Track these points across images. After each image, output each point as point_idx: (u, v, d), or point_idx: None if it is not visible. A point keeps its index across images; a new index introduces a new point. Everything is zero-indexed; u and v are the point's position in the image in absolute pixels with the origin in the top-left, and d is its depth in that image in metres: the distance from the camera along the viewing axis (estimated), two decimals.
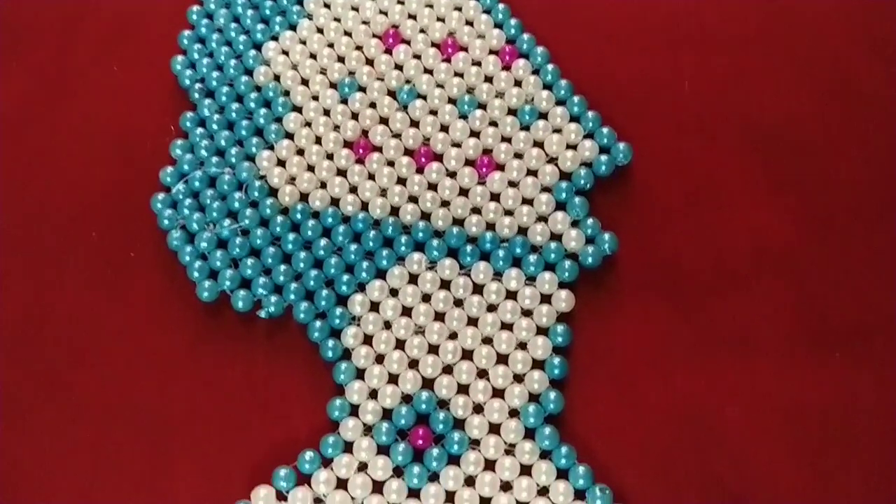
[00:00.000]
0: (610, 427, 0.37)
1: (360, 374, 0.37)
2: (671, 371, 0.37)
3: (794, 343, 0.37)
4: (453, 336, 0.38)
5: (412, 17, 0.43)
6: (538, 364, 0.37)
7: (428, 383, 0.37)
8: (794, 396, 0.37)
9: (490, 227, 0.39)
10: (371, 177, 0.40)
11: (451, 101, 0.41)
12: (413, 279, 0.38)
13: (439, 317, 0.38)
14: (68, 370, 0.38)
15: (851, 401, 0.37)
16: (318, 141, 0.41)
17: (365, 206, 0.40)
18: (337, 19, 0.43)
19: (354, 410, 0.37)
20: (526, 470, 0.36)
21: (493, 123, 0.41)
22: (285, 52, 0.42)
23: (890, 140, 0.40)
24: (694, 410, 0.37)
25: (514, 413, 0.37)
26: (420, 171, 0.40)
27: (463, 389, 0.37)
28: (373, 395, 0.37)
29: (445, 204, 0.40)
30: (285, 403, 0.38)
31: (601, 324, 0.38)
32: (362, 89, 0.41)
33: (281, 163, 0.40)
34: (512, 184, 0.40)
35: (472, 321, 0.38)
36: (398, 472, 0.36)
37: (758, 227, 0.39)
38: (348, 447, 0.36)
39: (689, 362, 0.37)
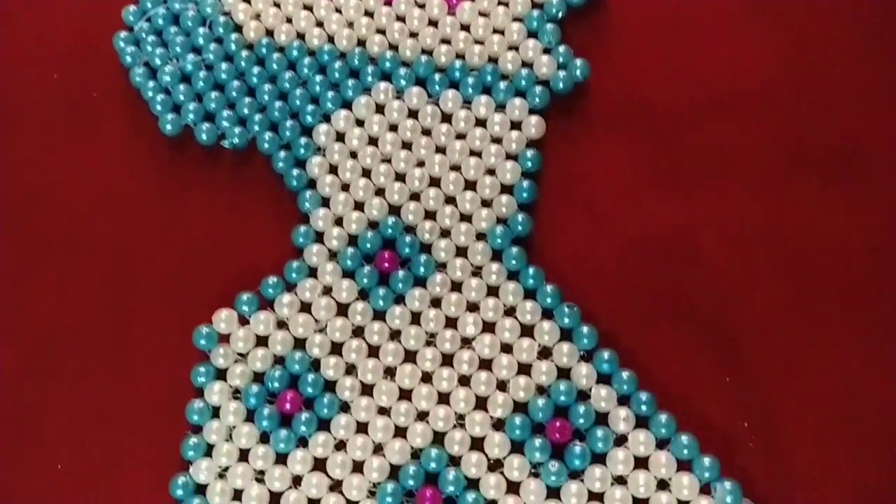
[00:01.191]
0: (580, 251, 0.36)
1: (325, 202, 0.37)
2: (644, 197, 0.36)
3: (771, 167, 0.36)
4: (421, 164, 0.37)
5: None
6: (507, 189, 0.36)
7: (395, 210, 0.36)
8: (770, 219, 0.36)
9: (460, 56, 0.38)
10: (338, 10, 0.39)
11: None
12: (380, 109, 0.37)
13: (406, 146, 0.37)
14: (34, 210, 0.37)
15: (828, 222, 0.36)
16: None
17: (331, 39, 0.39)
18: None
19: (319, 238, 0.36)
20: (493, 291, 0.35)
21: None
22: None
23: None
24: (667, 234, 0.36)
25: (480, 237, 0.36)
26: (388, 3, 0.39)
27: (430, 215, 0.36)
28: (338, 222, 0.36)
29: (414, 35, 0.38)
30: (250, 234, 0.37)
31: (572, 151, 0.37)
32: None
33: None
34: (483, 14, 0.38)
35: (441, 149, 0.37)
36: (363, 295, 0.35)
37: (735, 55, 0.38)
38: (313, 272, 0.36)
39: (663, 188, 0.36)
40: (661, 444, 0.33)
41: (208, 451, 0.34)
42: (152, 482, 0.34)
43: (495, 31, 0.38)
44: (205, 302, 0.36)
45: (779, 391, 0.34)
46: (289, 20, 0.39)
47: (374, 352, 0.35)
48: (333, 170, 0.37)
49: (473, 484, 0.33)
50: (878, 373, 0.34)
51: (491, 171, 0.37)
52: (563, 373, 0.34)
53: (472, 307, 0.35)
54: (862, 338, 0.34)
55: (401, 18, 0.39)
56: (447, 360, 0.34)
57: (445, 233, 0.36)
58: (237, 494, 0.34)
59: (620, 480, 0.33)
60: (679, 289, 0.35)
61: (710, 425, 0.33)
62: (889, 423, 0.33)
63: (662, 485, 0.33)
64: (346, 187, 0.37)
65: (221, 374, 0.35)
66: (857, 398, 0.34)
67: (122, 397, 0.35)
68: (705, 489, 0.32)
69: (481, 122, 0.37)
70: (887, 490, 0.33)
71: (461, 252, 0.36)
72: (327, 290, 0.35)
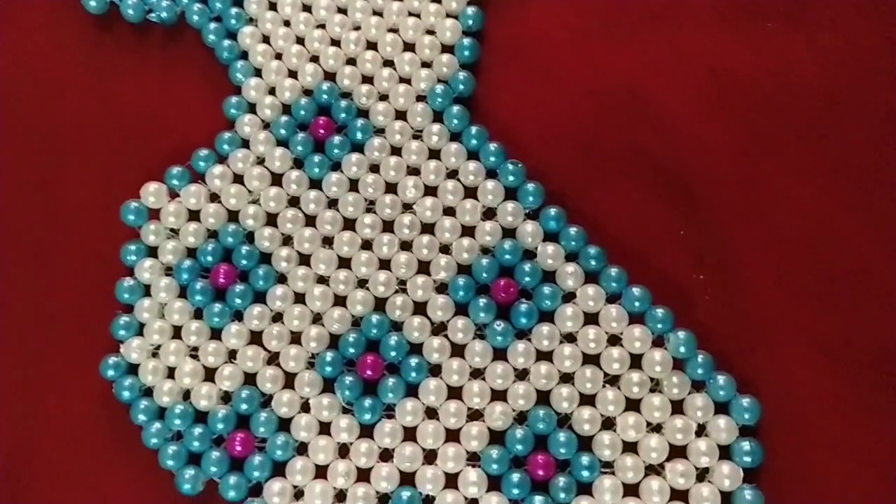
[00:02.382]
0: (527, 108, 0.34)
1: (258, 73, 0.35)
2: (591, 49, 0.34)
3: (726, 13, 0.34)
4: (357, 28, 0.35)
5: None
6: (447, 48, 0.34)
7: (330, 76, 0.35)
8: (724, 64, 0.34)
9: None
10: None
11: None
12: None
13: (341, 10, 0.35)
14: None
15: (784, 68, 0.33)
16: None
17: None
18: None
19: (252, 108, 0.34)
20: (435, 154, 0.33)
21: None
22: None
23: None
24: (616, 85, 0.34)
25: (420, 98, 0.34)
26: None
27: (367, 80, 0.34)
28: (271, 91, 0.34)
29: None
30: (182, 110, 0.35)
31: (516, 7, 0.35)
32: None
33: None
34: None
35: (377, 12, 0.35)
36: (298, 163, 0.34)
37: None
38: (245, 143, 0.34)
39: (611, 39, 0.34)
40: (613, 299, 0.31)
41: (140, 330, 0.32)
42: (83, 364, 0.32)
43: None
44: (136, 180, 0.34)
45: (736, 241, 0.32)
46: None
47: (310, 221, 0.33)
48: (266, 40, 0.35)
49: (416, 349, 0.31)
50: (839, 217, 0.32)
51: (430, 32, 0.35)
52: (509, 233, 0.32)
53: (413, 171, 0.33)
54: (822, 181, 0.32)
55: None
56: (388, 226, 0.33)
57: (383, 97, 0.34)
58: (170, 372, 0.32)
59: (570, 338, 0.31)
60: (630, 140, 0.33)
61: (664, 279, 0.32)
62: (851, 268, 0.31)
63: (614, 340, 0.31)
64: (279, 56, 0.35)
65: (152, 252, 0.33)
66: (818, 245, 0.32)
67: (49, 279, 0.34)
68: (658, 342, 0.30)
69: None
70: (848, 340, 0.31)
71: (400, 115, 0.34)
72: (260, 161, 0.34)
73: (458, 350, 0.31)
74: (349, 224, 0.33)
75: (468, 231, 0.32)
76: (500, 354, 0.31)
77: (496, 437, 0.30)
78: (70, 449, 0.32)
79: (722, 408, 0.30)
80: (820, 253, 0.32)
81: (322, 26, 0.35)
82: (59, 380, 0.33)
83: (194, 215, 0.33)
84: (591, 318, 0.31)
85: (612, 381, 0.30)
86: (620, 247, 0.32)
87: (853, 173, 0.32)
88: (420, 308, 0.32)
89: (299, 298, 0.32)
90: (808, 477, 0.30)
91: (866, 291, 0.31)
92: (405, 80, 0.34)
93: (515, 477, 0.29)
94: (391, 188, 0.33)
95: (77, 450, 0.32)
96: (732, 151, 0.33)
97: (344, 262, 0.33)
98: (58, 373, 0.33)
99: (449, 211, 0.33)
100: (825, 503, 0.30)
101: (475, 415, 0.31)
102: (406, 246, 0.33)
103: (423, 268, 0.32)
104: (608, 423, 0.30)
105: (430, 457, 0.30)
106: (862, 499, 0.30)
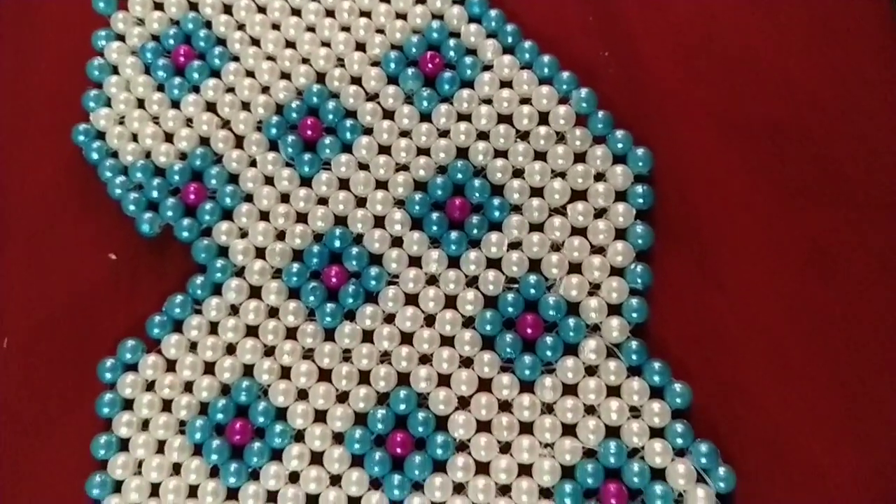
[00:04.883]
0: None
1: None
2: None
3: None
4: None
5: None
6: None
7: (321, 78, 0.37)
8: None
9: None
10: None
11: None
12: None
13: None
14: None
15: None
16: None
17: None
18: None
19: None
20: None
21: None
22: None
23: None
24: None
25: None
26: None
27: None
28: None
29: None
30: None
31: None
32: None
33: None
34: None
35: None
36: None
37: None
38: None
39: None
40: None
41: (108, 102, 0.36)
42: (56, 132, 0.36)
43: None
44: None
45: (638, 26, 0.36)
46: None
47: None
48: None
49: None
50: (733, 7, 0.36)
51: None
52: None
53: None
54: None
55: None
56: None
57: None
58: (134, 137, 0.36)
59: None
60: None
61: (573, 56, 0.35)
62: (742, 52, 0.35)
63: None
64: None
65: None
66: (713, 31, 0.35)
67: (22, 60, 0.37)
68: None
69: None
70: (740, 113, 0.34)
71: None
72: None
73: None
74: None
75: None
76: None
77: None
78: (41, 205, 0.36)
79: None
80: (715, 37, 0.35)
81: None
82: (28, 148, 0.37)
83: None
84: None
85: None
86: (538, 32, 0.36)
87: None
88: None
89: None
90: (695, 220, 0.34)
91: (756, 70, 0.35)
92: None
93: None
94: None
95: (47, 207, 0.36)
96: None
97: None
98: (29, 141, 0.37)
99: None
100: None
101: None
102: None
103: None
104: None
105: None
106: (748, 245, 0.33)
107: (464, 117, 0.35)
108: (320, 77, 0.36)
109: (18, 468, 0.33)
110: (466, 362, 0.33)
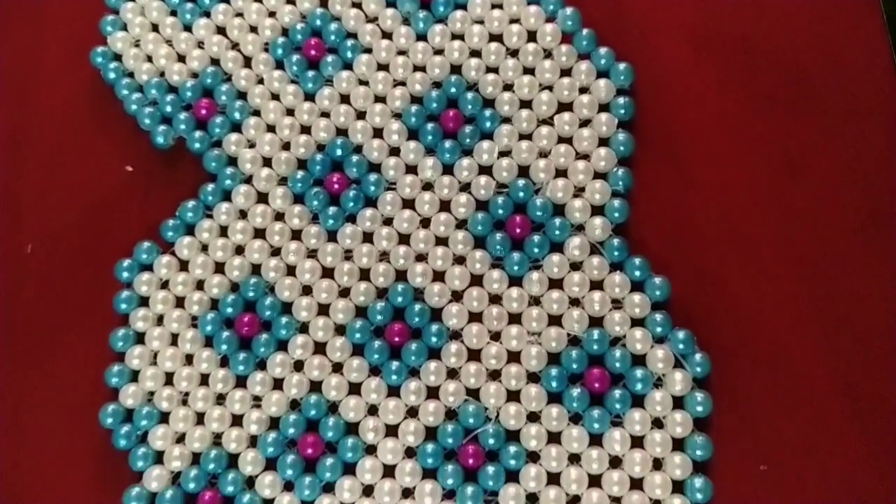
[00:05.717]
0: None
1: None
2: None
3: None
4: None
5: None
6: None
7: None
8: None
9: None
10: None
11: None
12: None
13: None
14: None
15: None
16: None
17: None
18: None
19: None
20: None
21: None
22: None
23: None
24: None
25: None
26: None
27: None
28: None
29: None
30: None
31: None
32: None
33: None
34: None
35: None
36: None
37: None
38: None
39: None
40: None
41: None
42: (75, 55, 0.39)
43: None
44: None
45: None
46: None
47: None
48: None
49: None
50: None
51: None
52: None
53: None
54: None
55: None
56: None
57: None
58: (149, 58, 0.38)
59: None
60: None
61: None
62: None
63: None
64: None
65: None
66: None
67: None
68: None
69: None
70: (714, 29, 0.37)
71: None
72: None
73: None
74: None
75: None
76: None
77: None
78: (62, 123, 0.38)
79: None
80: None
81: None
82: (49, 70, 0.39)
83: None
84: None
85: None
86: None
87: None
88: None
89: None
90: (672, 129, 0.36)
91: None
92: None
93: None
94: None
95: (68, 124, 0.38)
96: None
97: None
98: (51, 64, 0.39)
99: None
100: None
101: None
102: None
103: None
104: None
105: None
106: (722, 151, 0.36)
107: (457, 36, 0.37)
108: (323, 1, 0.38)
109: (43, 362, 0.36)
110: (459, 260, 0.35)
